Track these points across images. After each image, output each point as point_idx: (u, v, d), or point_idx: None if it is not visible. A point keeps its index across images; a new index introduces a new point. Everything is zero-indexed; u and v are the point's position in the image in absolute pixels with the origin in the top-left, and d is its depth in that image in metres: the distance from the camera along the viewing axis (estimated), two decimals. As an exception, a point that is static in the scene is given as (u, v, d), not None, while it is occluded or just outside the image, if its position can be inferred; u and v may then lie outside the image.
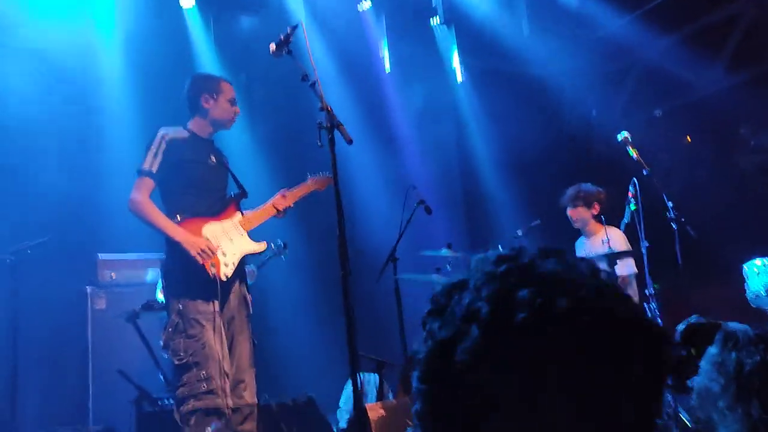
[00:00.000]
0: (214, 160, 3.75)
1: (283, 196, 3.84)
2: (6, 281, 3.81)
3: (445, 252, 4.83)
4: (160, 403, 4.03)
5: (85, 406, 4.91)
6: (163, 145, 3.59)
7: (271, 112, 6.57)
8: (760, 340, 2.10)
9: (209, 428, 3.28)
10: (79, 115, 5.52)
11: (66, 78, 5.44)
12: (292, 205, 3.85)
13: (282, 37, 2.95)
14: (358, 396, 2.64)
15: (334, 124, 2.76)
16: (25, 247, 3.83)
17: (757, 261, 4.70)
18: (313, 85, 2.82)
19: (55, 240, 4.33)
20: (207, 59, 6.24)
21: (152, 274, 5.43)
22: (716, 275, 5.51)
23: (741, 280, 4.80)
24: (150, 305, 4.56)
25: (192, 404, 3.30)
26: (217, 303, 3.48)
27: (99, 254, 5.37)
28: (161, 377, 4.56)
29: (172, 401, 4.05)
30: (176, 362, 3.39)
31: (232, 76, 6.38)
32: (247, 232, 3.76)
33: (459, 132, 7.49)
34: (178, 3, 6.11)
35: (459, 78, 7.40)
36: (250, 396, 3.54)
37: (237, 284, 3.66)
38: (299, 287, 5.99)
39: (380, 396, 4.35)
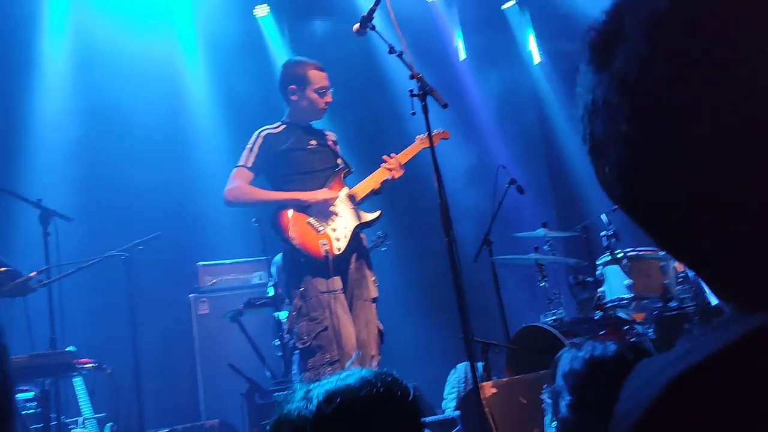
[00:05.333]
0: (315, 143, 3.71)
1: (390, 158, 3.74)
2: (123, 279, 3.95)
3: (541, 232, 4.69)
4: (271, 395, 4.08)
5: (197, 404, 5.09)
6: (259, 141, 3.62)
7: (348, 112, 6.63)
8: None
9: None
10: (171, 127, 5.75)
11: (155, 89, 5.70)
12: (403, 164, 3.71)
13: (365, 14, 2.94)
14: (475, 373, 2.57)
15: (426, 91, 2.72)
16: (138, 243, 3.95)
17: None
18: (401, 54, 2.79)
19: (160, 248, 4.49)
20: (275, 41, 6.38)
21: (255, 277, 5.57)
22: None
23: None
24: (252, 302, 4.65)
25: None
26: (338, 280, 3.41)
27: (198, 262, 5.58)
28: (268, 372, 4.65)
29: (282, 393, 4.11)
30: (300, 346, 3.35)
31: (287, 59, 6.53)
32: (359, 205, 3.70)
33: (541, 114, 7.31)
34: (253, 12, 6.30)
35: (536, 60, 7.25)
36: None
37: (354, 261, 3.57)
38: (397, 279, 6.00)
39: (487, 378, 4.25)
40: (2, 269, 2.59)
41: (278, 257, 5.28)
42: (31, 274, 3.03)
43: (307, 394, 1.10)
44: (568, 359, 1.66)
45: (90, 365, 3.46)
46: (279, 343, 4.99)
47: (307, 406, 1.07)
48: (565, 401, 1.60)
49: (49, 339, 3.30)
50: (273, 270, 5.43)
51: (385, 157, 3.73)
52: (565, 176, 6.83)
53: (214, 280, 5.62)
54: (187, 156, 5.87)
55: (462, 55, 7.03)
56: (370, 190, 3.69)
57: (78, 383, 3.38)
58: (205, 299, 5.50)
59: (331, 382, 1.11)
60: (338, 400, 1.07)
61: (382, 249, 4.73)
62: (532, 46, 7.28)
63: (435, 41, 6.81)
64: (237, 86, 5.99)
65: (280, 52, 6.44)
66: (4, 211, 4.35)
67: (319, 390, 1.08)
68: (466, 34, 7.02)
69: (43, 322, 3.34)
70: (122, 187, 5.45)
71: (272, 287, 4.93)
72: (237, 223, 5.25)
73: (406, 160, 3.74)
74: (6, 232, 4.42)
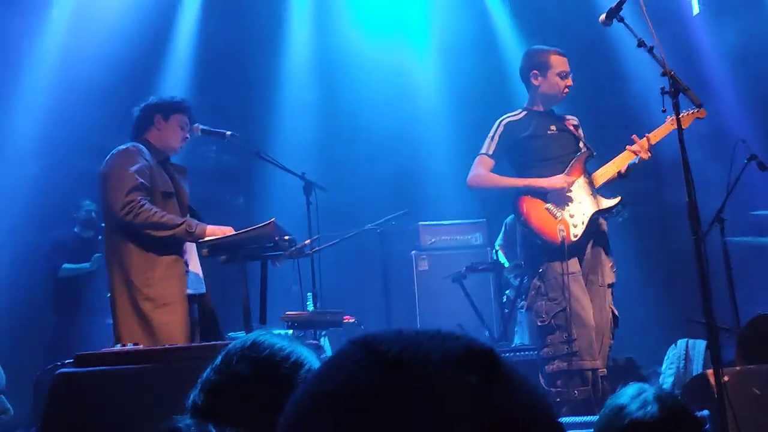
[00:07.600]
0: (555, 129, 3.79)
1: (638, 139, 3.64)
2: (377, 248, 4.48)
3: (782, 211, 4.39)
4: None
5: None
6: (500, 129, 3.78)
7: (580, 98, 6.55)
8: None
9: (575, 391, 3.39)
10: (399, 99, 6.24)
11: (386, 63, 6.18)
12: (652, 146, 3.61)
13: (613, 6, 2.94)
14: (717, 359, 2.60)
15: (679, 89, 2.69)
16: (390, 218, 4.45)
17: None
18: (652, 50, 2.77)
19: (389, 209, 4.96)
20: (507, 36, 6.49)
21: (472, 239, 5.88)
22: None
23: None
24: (474, 267, 4.94)
25: (557, 365, 3.44)
26: (574, 262, 3.53)
27: (420, 222, 6.00)
28: (486, 333, 4.95)
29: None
30: (539, 323, 3.55)
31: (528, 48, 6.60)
32: (599, 190, 3.73)
33: (788, 74, 6.60)
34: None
35: (784, 10, 6.52)
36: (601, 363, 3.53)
37: (590, 246, 3.66)
38: (620, 247, 6.00)
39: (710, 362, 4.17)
40: (287, 237, 3.08)
41: (510, 218, 5.47)
42: (306, 242, 3.53)
43: (640, 396, 1.37)
44: None
45: (351, 321, 4.01)
46: (506, 300, 5.23)
47: (647, 409, 1.34)
48: None
49: (312, 296, 3.87)
50: (501, 234, 5.62)
51: (635, 137, 3.65)
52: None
53: (434, 240, 6.01)
54: (412, 125, 6.32)
55: (696, 8, 6.54)
56: (611, 175, 3.70)
57: (324, 342, 3.96)
58: (425, 256, 5.91)
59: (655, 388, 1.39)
60: (670, 401, 1.38)
61: (619, 220, 4.66)
62: (780, -6, 6.55)
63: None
64: (463, 63, 6.27)
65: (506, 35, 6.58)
66: (269, 183, 5.10)
67: (650, 394, 1.37)
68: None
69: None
70: (355, 157, 6.10)
71: (498, 252, 5.11)
72: (457, 186, 5.57)
73: (655, 142, 3.63)
74: (273, 202, 5.24)
